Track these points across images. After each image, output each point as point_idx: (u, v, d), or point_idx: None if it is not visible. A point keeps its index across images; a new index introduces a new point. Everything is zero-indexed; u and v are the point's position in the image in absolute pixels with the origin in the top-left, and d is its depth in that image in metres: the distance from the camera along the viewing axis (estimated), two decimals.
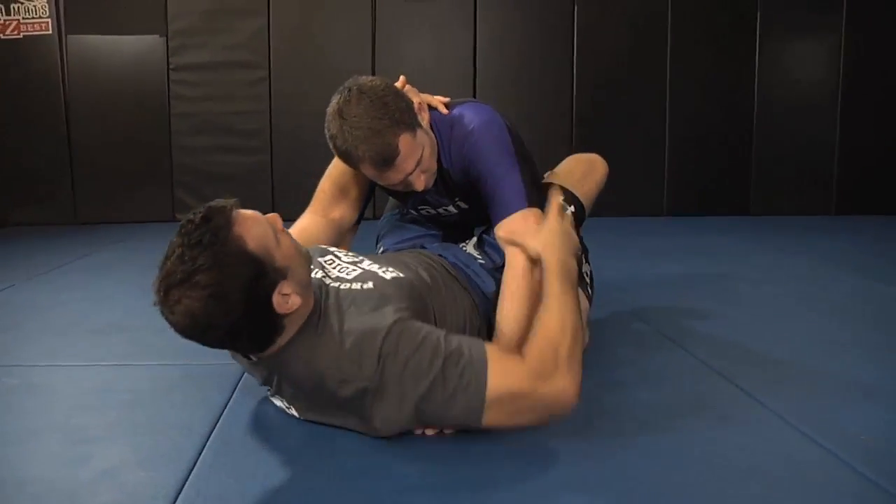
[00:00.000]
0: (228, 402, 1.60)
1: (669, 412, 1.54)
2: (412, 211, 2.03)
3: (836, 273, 3.06)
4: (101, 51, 4.85)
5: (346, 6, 4.87)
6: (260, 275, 1.23)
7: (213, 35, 4.81)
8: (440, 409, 1.30)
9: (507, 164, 1.66)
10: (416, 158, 1.63)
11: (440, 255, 1.76)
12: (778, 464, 1.30)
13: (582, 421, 1.48)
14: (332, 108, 1.58)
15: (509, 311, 1.55)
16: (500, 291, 1.60)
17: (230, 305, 1.20)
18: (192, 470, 1.29)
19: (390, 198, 2.13)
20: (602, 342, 2.02)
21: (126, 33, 4.82)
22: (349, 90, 1.57)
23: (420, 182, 1.69)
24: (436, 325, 1.47)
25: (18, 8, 4.82)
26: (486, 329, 1.65)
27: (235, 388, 1.67)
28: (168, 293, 1.19)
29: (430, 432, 1.40)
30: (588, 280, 1.98)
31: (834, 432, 1.41)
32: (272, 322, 1.29)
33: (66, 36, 4.82)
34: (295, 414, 1.47)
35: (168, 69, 4.82)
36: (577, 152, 5.54)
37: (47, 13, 4.81)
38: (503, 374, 1.30)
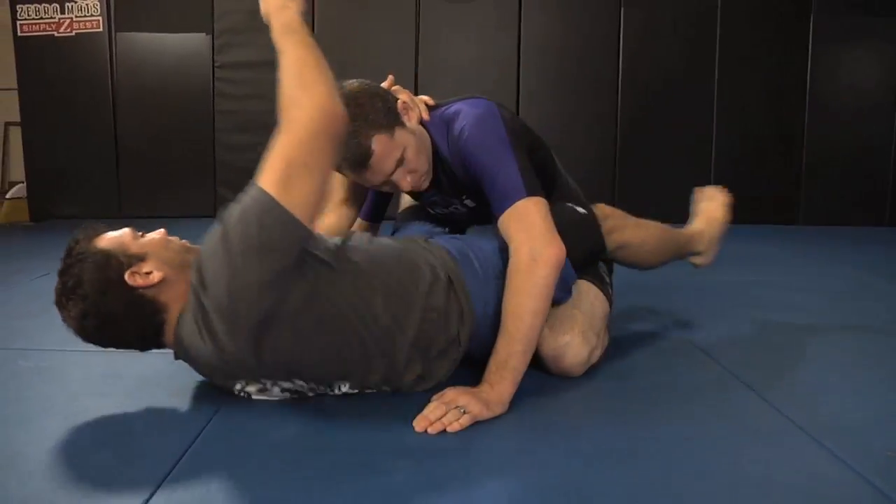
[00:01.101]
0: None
1: (691, 422, 1.47)
2: (429, 210, 1.99)
3: (886, 287, 2.92)
4: (149, 48, 4.95)
5: (390, 6, 4.87)
6: (108, 259, 1.39)
7: (258, 33, 4.78)
8: (249, 251, 1.28)
9: (501, 158, 1.59)
10: (394, 159, 1.60)
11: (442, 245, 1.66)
12: (799, 479, 1.22)
13: (597, 427, 1.43)
14: None
15: (515, 306, 1.49)
16: (506, 285, 1.54)
17: (85, 289, 1.37)
18: (180, 459, 1.26)
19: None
20: (630, 348, 1.96)
21: (173, 31, 4.92)
22: None
23: (406, 183, 1.66)
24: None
25: (72, 6, 4.94)
26: (467, 316, 1.55)
27: None
28: (60, 308, 1.42)
29: (431, 430, 1.36)
30: (608, 279, 1.90)
31: (859, 449, 1.33)
32: (141, 301, 1.39)
33: (115, 34, 4.94)
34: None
35: (213, 67, 4.90)
36: (620, 157, 5.48)
37: (99, 11, 4.93)
38: (269, 167, 1.31)
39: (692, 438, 1.38)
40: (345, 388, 1.51)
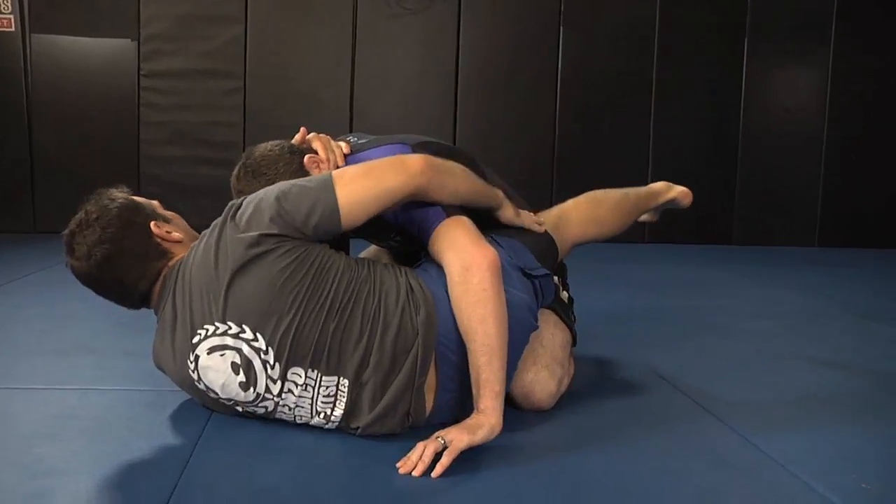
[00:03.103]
0: (202, 434, 1.49)
1: (668, 456, 1.48)
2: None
3: (827, 309, 3.07)
4: (69, 52, 4.69)
5: (326, 18, 4.79)
6: (138, 206, 1.54)
7: (188, 42, 4.69)
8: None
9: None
10: None
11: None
12: None
13: (576, 464, 1.43)
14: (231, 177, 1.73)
15: (465, 321, 1.46)
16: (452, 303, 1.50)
17: (110, 219, 1.47)
18: None
19: None
20: (597, 380, 1.97)
21: (95, 35, 4.68)
22: (239, 164, 1.72)
23: None
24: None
25: None
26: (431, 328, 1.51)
27: (209, 420, 1.56)
28: (70, 238, 1.48)
29: (416, 473, 1.32)
30: (570, 308, 1.90)
31: (833, 480, 1.37)
32: (156, 247, 1.51)
33: (30, 35, 4.65)
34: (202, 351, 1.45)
35: (139, 75, 4.68)
36: (557, 173, 5.55)
37: (9, 9, 4.64)
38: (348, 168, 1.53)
39: (670, 473, 1.40)
40: (299, 381, 1.44)
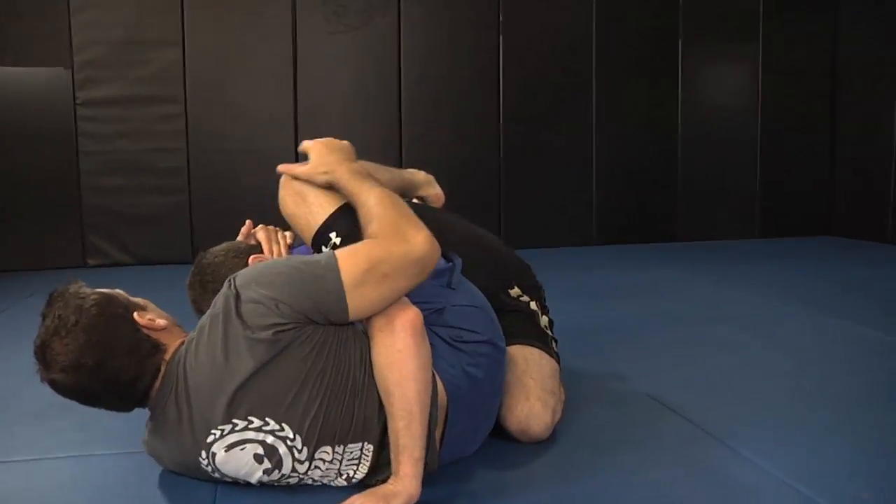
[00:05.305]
0: (215, 500, 1.46)
1: (671, 482, 1.51)
2: None
3: (784, 307, 3.14)
4: None
5: (265, 37, 4.71)
6: (111, 299, 1.42)
7: (124, 68, 4.53)
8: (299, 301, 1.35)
9: None
10: None
11: None
12: None
13: (578, 497, 1.45)
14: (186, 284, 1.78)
15: (379, 381, 1.42)
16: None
17: (90, 320, 1.34)
18: None
19: None
20: (587, 405, 1.98)
21: (26, 65, 4.47)
22: (191, 272, 1.78)
23: None
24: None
25: None
26: None
27: (218, 484, 1.50)
28: (45, 349, 1.34)
29: None
30: (550, 333, 1.92)
31: (829, 489, 1.43)
32: (146, 340, 1.40)
33: None
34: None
35: (75, 104, 4.51)
36: (504, 179, 5.54)
37: None
38: (352, 254, 1.39)
39: (678, 499, 1.44)
40: (327, 458, 1.42)
